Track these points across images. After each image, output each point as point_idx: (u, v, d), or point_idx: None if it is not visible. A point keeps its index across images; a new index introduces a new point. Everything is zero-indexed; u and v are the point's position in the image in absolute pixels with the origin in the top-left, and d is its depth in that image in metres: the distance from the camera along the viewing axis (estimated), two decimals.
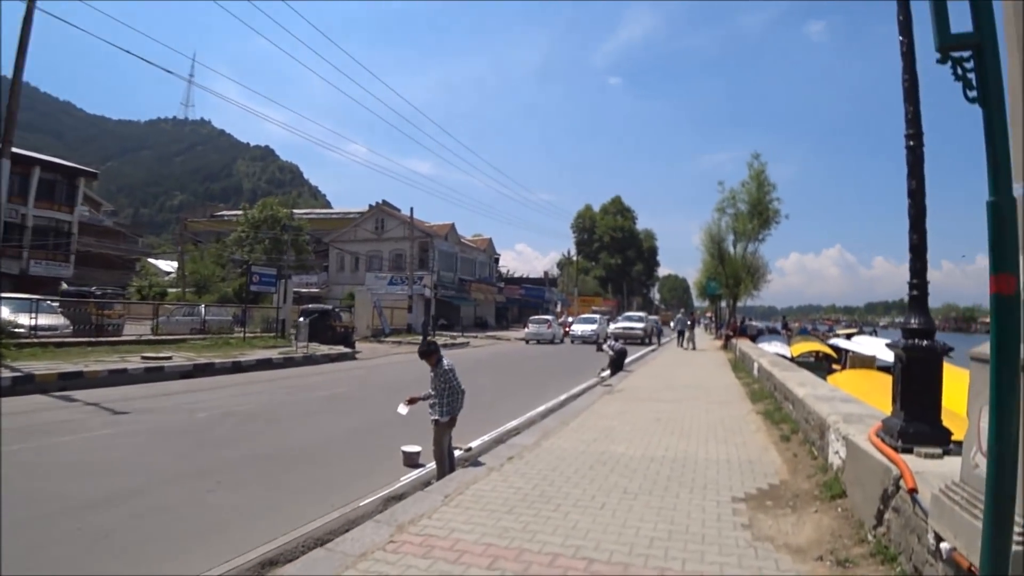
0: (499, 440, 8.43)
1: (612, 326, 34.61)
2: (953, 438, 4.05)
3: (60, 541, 4.54)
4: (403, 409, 6.75)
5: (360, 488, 6.16)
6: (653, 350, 28.82)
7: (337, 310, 29.13)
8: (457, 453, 7.06)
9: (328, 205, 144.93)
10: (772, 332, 34.08)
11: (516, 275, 79.66)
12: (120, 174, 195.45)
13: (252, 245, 44.76)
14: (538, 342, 33.61)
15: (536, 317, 38.09)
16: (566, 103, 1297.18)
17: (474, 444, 8.13)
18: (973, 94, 2.08)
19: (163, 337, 21.48)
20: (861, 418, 5.49)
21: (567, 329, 36.43)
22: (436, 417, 6.42)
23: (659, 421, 9.11)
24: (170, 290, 43.60)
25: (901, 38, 4.49)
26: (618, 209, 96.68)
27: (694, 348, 27.90)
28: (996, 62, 2.05)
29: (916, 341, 4.25)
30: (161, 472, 6.54)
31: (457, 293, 51.46)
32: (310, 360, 19.49)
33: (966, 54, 2.11)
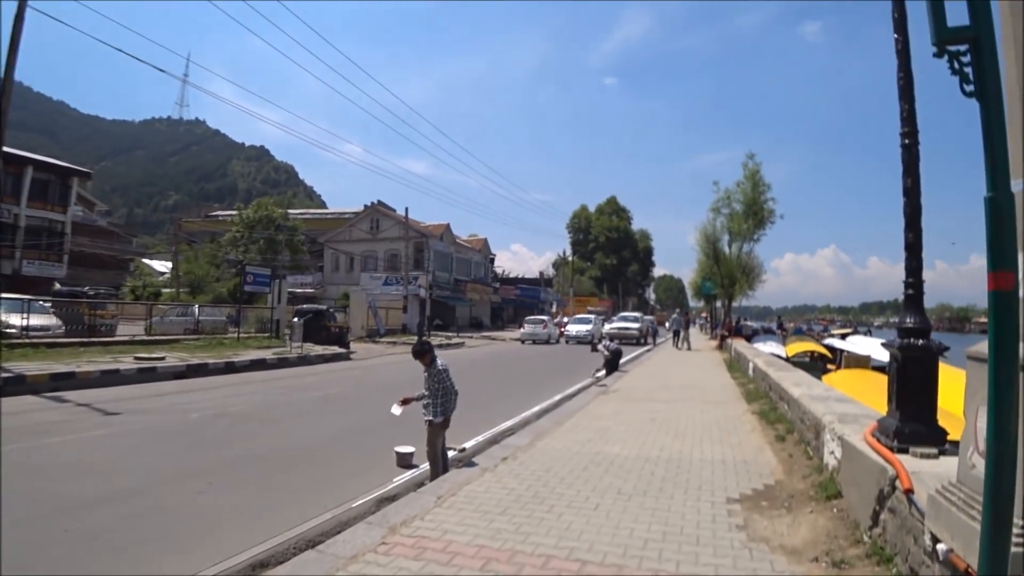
0: (493, 441, 8.39)
1: (607, 326, 34.66)
2: (949, 438, 4.03)
3: (48, 543, 4.49)
4: (397, 410, 6.72)
5: (353, 489, 6.12)
6: (648, 350, 28.84)
7: (332, 310, 29.10)
8: (451, 454, 7.01)
9: (323, 205, 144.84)
10: (767, 332, 34.21)
11: (512, 275, 79.67)
12: (114, 174, 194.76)
13: (247, 245, 44.63)
14: (534, 342, 33.65)
15: (532, 317, 38.14)
16: (562, 103, 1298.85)
17: (468, 445, 8.08)
18: (970, 88, 2.04)
19: (156, 337, 21.36)
20: (856, 418, 5.46)
21: (562, 329, 36.42)
22: (429, 418, 6.38)
23: (654, 421, 9.08)
24: (164, 290, 43.49)
25: (896, 36, 4.47)
26: (614, 209, 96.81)
27: (689, 348, 27.92)
28: (993, 56, 2.01)
29: (912, 340, 4.23)
30: (152, 473, 6.49)
31: (452, 293, 51.40)
32: (304, 360, 19.42)
33: (963, 48, 2.08)
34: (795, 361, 18.24)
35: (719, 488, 5.58)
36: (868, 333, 41.98)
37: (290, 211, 60.89)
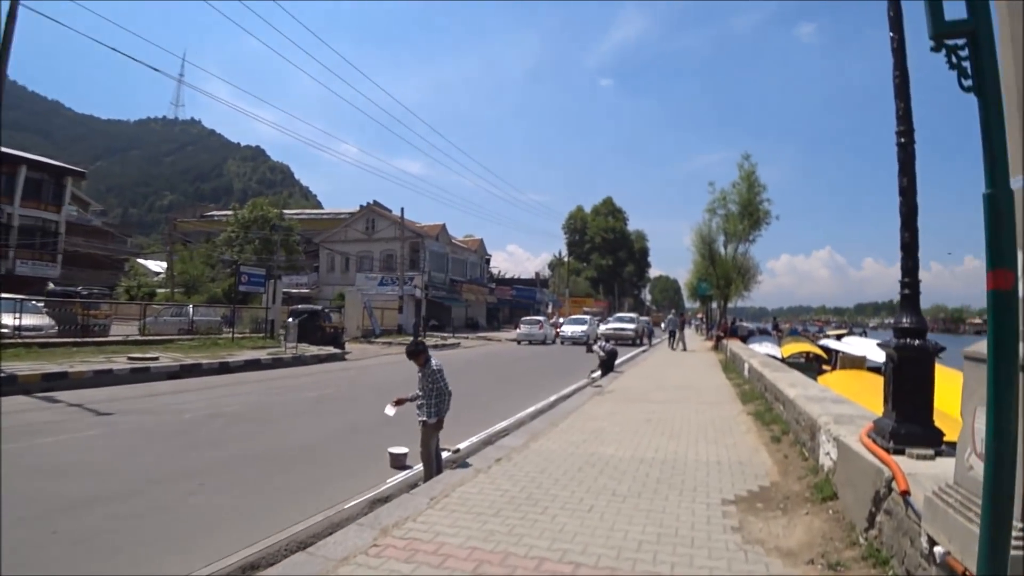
0: (488, 441, 8.35)
1: (603, 327, 34.62)
2: (945, 439, 4.00)
3: (34, 545, 4.42)
4: (390, 410, 6.67)
5: (346, 490, 6.07)
6: (644, 351, 28.85)
7: (327, 310, 28.99)
8: (445, 455, 6.97)
9: (319, 205, 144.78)
10: (763, 333, 34.21)
11: (507, 276, 79.54)
12: (109, 174, 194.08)
13: (242, 245, 44.48)
14: (530, 343, 33.72)
15: (528, 318, 38.14)
16: (558, 104, 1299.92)
17: (462, 445, 8.05)
18: (968, 83, 2.01)
19: (150, 337, 21.30)
20: (852, 419, 5.43)
21: (558, 330, 36.41)
22: (423, 418, 6.33)
23: (649, 422, 9.05)
24: (159, 290, 43.34)
25: (892, 34, 4.44)
26: (609, 210, 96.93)
27: (684, 349, 27.92)
28: (992, 50, 1.98)
29: (908, 340, 4.19)
30: (143, 474, 6.43)
31: (448, 294, 51.34)
32: (299, 361, 19.34)
33: (960, 42, 2.04)
34: (790, 362, 18.19)
35: (714, 489, 5.54)
36: (863, 334, 42.09)
37: (286, 211, 60.78)
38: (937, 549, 2.68)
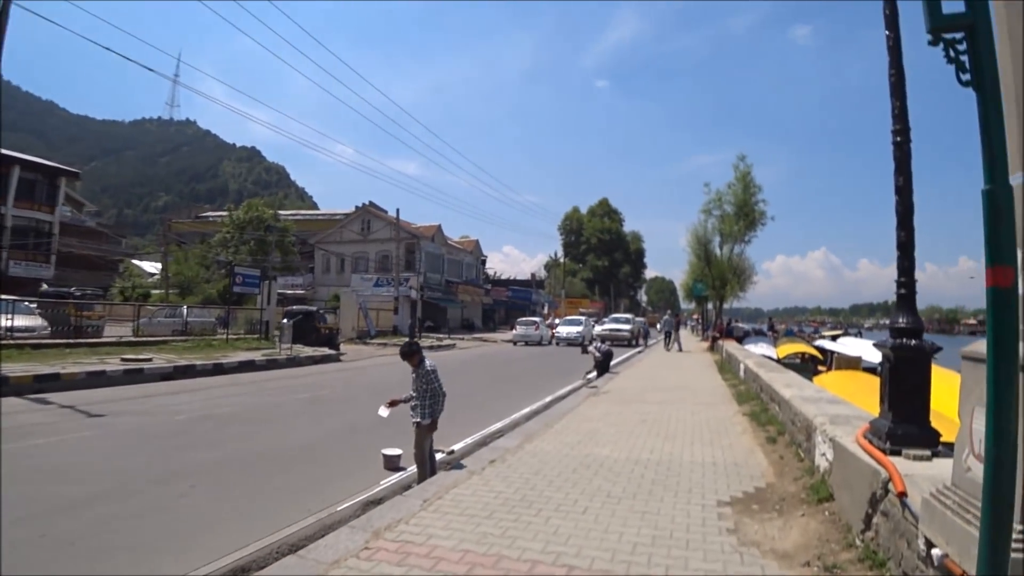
0: (482, 443, 8.30)
1: (599, 328, 34.62)
2: (941, 440, 3.97)
3: (21, 548, 4.35)
4: (384, 412, 6.63)
5: (339, 492, 6.02)
6: (640, 352, 28.82)
7: (322, 312, 28.92)
8: (439, 456, 6.92)
9: (315, 206, 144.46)
10: (758, 334, 34.16)
11: (503, 277, 79.42)
12: (104, 175, 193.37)
13: (237, 246, 44.38)
14: (526, 344, 33.82)
15: (524, 319, 38.22)
16: (553, 105, 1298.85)
17: (456, 447, 7.99)
18: (966, 77, 1.98)
19: (144, 339, 21.19)
20: (848, 419, 5.40)
21: (554, 331, 36.43)
22: (417, 419, 6.30)
23: (644, 423, 9.01)
24: (153, 291, 43.18)
25: (887, 32, 4.42)
26: (605, 211, 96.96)
27: (680, 350, 27.90)
28: (990, 43, 1.95)
29: (904, 340, 4.16)
30: (134, 476, 6.36)
31: (444, 295, 51.26)
32: (294, 362, 19.26)
33: (958, 36, 2.01)
34: (786, 362, 18.21)
35: (709, 491, 5.51)
36: (858, 335, 42.14)
37: (281, 212, 60.67)
38: (935, 551, 2.65)
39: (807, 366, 18.87)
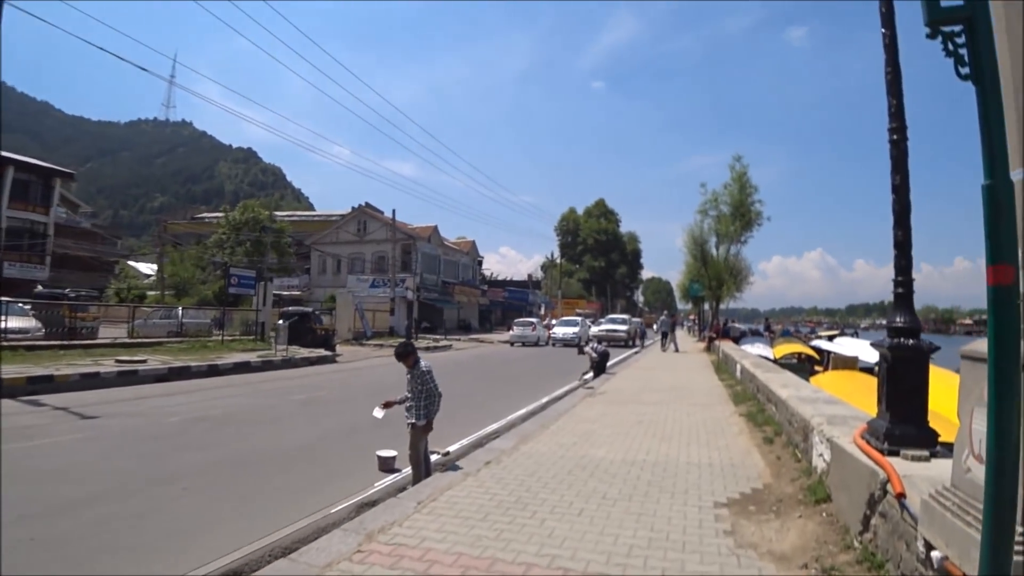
0: (478, 444, 8.26)
1: (595, 328, 34.61)
2: (940, 440, 3.94)
3: (8, 552, 4.29)
4: (379, 413, 6.59)
5: (333, 494, 5.98)
6: (636, 352, 28.81)
7: (317, 312, 28.84)
8: (434, 457, 6.88)
9: (311, 207, 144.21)
10: (755, 334, 34.24)
11: (500, 278, 79.39)
12: (100, 175, 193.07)
13: (233, 247, 44.19)
14: (523, 344, 33.97)
15: (521, 320, 38.35)
16: (550, 107, 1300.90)
17: (452, 448, 7.94)
18: (966, 71, 1.94)
19: (139, 340, 21.07)
20: (845, 420, 5.37)
21: (550, 332, 36.43)
22: (412, 420, 6.26)
23: (641, 424, 8.97)
24: (149, 292, 43.01)
25: (884, 30, 4.40)
26: (602, 212, 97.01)
27: (676, 350, 27.87)
28: (989, 36, 1.91)
29: (902, 340, 4.13)
30: (126, 478, 6.30)
31: (440, 296, 51.18)
32: (289, 363, 19.17)
33: (957, 29, 1.98)
34: (783, 363, 18.20)
35: (706, 492, 5.47)
36: (855, 335, 42.18)
37: (277, 213, 60.43)
38: (934, 554, 2.61)
39: (804, 366, 18.87)
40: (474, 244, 66.15)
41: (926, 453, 3.76)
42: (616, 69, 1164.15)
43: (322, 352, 22.27)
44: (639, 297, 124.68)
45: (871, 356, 14.34)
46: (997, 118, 1.86)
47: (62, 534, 4.70)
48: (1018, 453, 1.78)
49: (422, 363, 6.35)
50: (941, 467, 3.33)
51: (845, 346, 20.91)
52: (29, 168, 38.80)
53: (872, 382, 6.80)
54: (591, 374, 15.83)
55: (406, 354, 6.38)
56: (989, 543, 1.82)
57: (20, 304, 19.83)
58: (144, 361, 15.38)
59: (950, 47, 1.97)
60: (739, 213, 28.30)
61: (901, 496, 3.17)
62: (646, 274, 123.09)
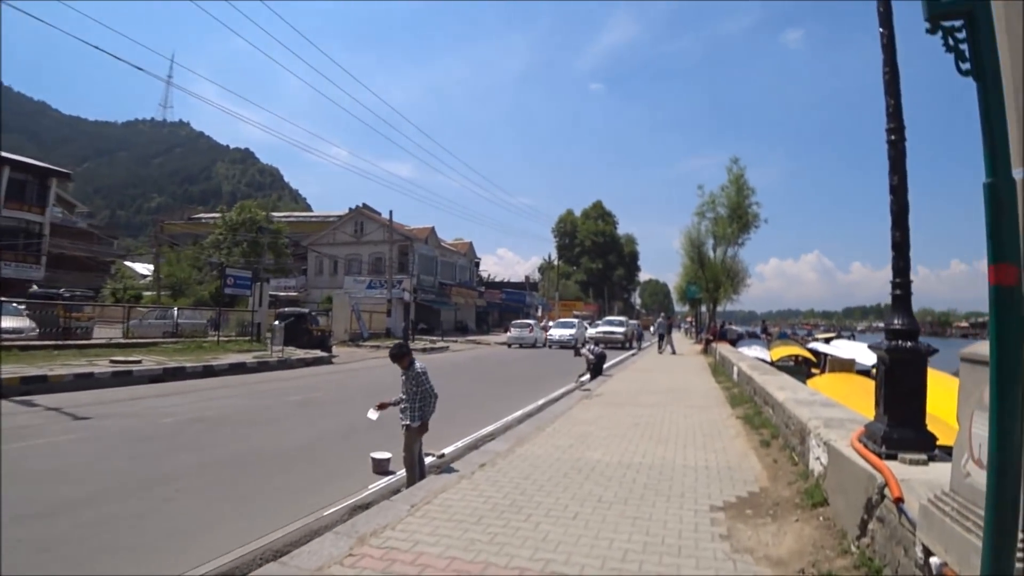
0: (473, 446, 8.20)
1: (592, 330, 34.58)
2: (938, 443, 3.90)
3: (8, 552, 4.23)
4: (373, 414, 6.54)
5: (326, 496, 5.93)
6: (633, 354, 28.78)
7: (314, 314, 28.76)
8: (429, 459, 6.84)
9: (308, 208, 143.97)
10: (752, 336, 34.23)
11: (497, 279, 79.40)
12: (97, 176, 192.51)
13: (229, 248, 44.08)
14: (520, 346, 34.02)
15: (518, 321, 38.43)
16: (548, 108, 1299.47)
17: (447, 450, 7.90)
18: (966, 67, 1.90)
19: (134, 340, 21.01)
20: (842, 423, 5.33)
21: (547, 334, 36.41)
22: (407, 422, 6.22)
23: (637, 426, 8.93)
24: (145, 293, 42.88)
25: (881, 30, 4.37)
26: (599, 214, 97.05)
27: (673, 352, 27.84)
28: (990, 31, 1.87)
29: (900, 342, 4.09)
30: (117, 479, 6.25)
31: (437, 297, 51.10)
32: (285, 364, 19.10)
33: (957, 23, 1.94)
34: (780, 365, 18.16)
35: (702, 495, 5.42)
36: (852, 337, 42.26)
37: (274, 214, 60.41)
38: (933, 560, 2.56)
39: (801, 369, 18.83)
40: (471, 245, 66.09)
41: (924, 457, 3.72)
42: (615, 70, 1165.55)
43: (318, 353, 22.19)
44: (636, 299, 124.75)
45: (868, 359, 14.33)
46: (999, 115, 1.82)
47: (48, 536, 4.64)
48: (1020, 457, 1.74)
49: (417, 364, 6.31)
50: (939, 471, 3.29)
51: (842, 349, 20.89)
52: (25, 168, 38.65)
53: (869, 385, 6.77)
54: (588, 376, 15.79)
55: (401, 355, 6.35)
56: (991, 549, 1.78)
57: (15, 304, 19.77)
58: (139, 361, 15.30)
59: (950, 42, 1.94)
60: (736, 215, 28.28)
61: (899, 501, 3.12)
62: (643, 276, 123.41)
